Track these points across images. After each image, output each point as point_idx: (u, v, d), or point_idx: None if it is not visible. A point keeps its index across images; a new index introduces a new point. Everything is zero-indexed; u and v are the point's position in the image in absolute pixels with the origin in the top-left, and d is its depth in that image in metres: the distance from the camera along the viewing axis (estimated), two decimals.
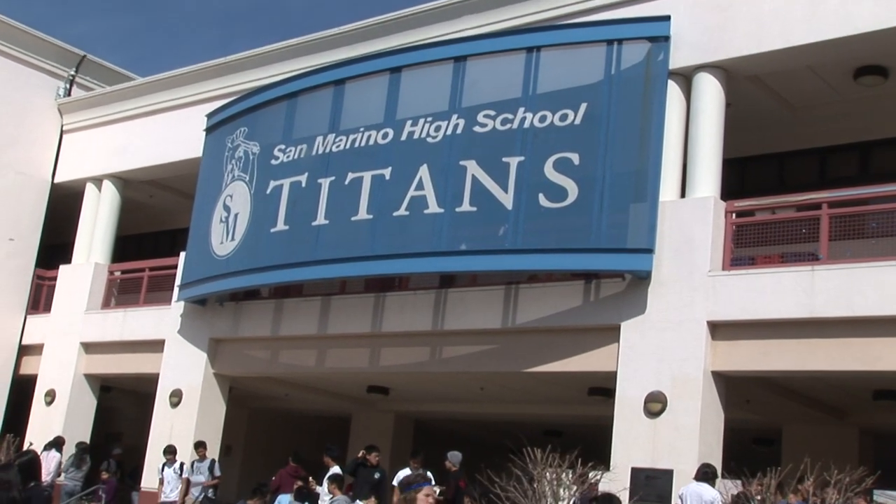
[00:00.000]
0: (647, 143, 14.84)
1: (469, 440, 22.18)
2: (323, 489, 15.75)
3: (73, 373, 22.72)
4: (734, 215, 14.85)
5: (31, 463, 10.61)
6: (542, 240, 15.38)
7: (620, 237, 14.90)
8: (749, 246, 14.77)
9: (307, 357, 19.24)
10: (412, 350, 17.63)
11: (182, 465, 18.70)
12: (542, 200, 15.11)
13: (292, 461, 19.23)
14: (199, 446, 18.93)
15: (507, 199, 15.40)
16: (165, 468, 18.79)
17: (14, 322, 24.06)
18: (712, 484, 12.80)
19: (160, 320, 21.24)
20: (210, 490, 18.57)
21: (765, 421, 18.33)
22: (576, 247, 15.06)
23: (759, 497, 11.66)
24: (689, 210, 14.77)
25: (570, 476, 12.94)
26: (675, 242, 14.67)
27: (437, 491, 15.17)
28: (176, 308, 20.86)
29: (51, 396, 22.78)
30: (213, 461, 18.87)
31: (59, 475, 20.35)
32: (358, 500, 13.98)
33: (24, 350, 24.09)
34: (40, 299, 24.47)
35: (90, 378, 22.98)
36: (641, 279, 14.78)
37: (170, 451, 18.92)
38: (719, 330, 14.32)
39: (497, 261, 15.63)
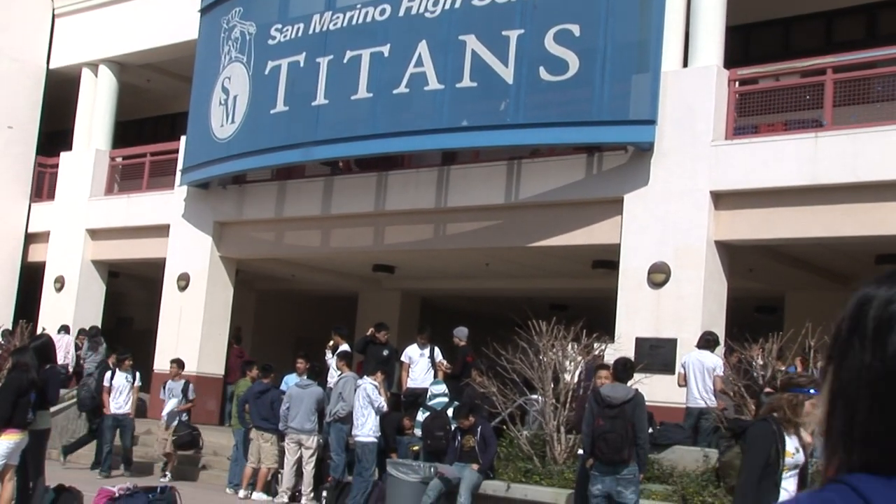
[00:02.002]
0: (649, 11, 14.60)
1: (475, 315, 22.42)
2: (332, 366, 16.02)
3: (81, 259, 22.91)
4: (737, 83, 14.69)
5: (46, 346, 10.86)
6: (544, 114, 15.29)
7: (622, 109, 14.81)
8: (752, 115, 14.66)
9: (312, 237, 19.35)
10: (416, 228, 17.72)
11: (136, 372, 16.62)
12: (543, 74, 14.96)
13: (235, 344, 20.32)
14: (173, 363, 17.09)
15: (507, 74, 15.25)
16: (116, 373, 16.55)
17: (19, 210, 24.12)
18: (713, 351, 13.02)
19: (164, 205, 21.28)
20: (183, 414, 16.56)
21: (768, 289, 18.48)
22: (578, 120, 14.99)
23: (760, 362, 11.86)
24: (692, 79, 14.62)
25: (576, 348, 13.14)
26: (677, 113, 14.56)
27: (446, 364, 15.48)
28: (179, 192, 20.87)
29: (60, 283, 23.01)
30: (187, 382, 16.84)
31: (77, 360, 20.66)
32: (366, 377, 14.22)
33: (30, 238, 24.22)
34: (43, 187, 24.47)
35: (97, 264, 23.17)
36: (644, 151, 14.73)
37: (123, 355, 16.87)
38: (722, 199, 14.34)
39: (499, 136, 15.57)
